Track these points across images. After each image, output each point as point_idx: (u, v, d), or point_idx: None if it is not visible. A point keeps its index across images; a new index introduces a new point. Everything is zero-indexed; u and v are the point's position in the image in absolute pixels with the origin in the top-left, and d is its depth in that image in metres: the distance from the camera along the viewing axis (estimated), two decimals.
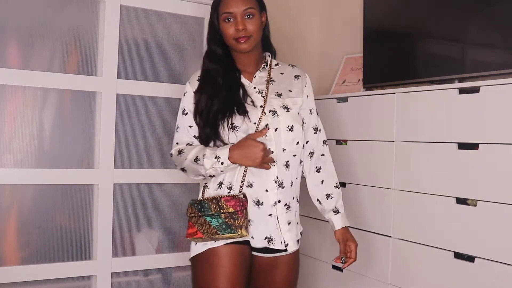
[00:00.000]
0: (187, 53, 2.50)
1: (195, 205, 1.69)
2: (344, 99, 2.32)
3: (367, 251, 2.14)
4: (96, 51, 2.26)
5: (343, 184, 2.28)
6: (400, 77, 2.25)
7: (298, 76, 1.85)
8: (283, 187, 1.72)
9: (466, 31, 1.98)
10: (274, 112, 1.72)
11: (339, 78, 2.73)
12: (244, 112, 1.69)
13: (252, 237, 1.71)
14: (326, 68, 2.96)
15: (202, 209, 1.67)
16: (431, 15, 2.12)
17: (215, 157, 1.66)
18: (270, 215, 1.71)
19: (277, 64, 1.86)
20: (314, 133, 1.85)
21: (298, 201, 1.82)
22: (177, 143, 1.79)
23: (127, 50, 2.33)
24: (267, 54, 1.85)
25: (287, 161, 1.73)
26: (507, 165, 1.65)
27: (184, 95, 1.79)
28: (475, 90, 1.76)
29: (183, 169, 1.76)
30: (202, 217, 1.66)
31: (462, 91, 1.81)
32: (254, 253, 1.75)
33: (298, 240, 1.81)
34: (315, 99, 2.48)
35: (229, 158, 1.65)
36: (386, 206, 2.07)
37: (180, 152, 1.75)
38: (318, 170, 1.85)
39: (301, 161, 1.81)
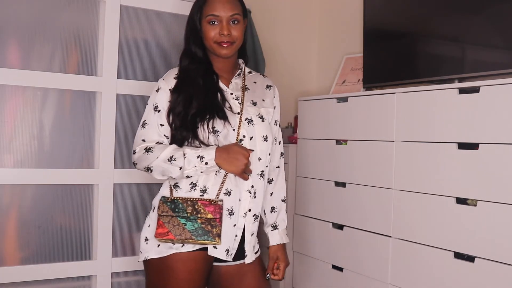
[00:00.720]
0: None
1: (168, 203, 1.62)
2: (344, 99, 2.32)
3: (367, 251, 2.14)
4: (96, 51, 2.26)
5: (343, 184, 2.29)
6: (400, 77, 2.25)
7: (270, 86, 1.84)
8: (255, 197, 1.70)
9: (466, 31, 1.98)
10: (250, 121, 1.69)
11: (339, 78, 2.73)
12: (224, 117, 1.64)
13: (215, 247, 1.64)
14: (326, 68, 2.96)
15: (176, 209, 1.60)
16: (431, 15, 2.12)
17: (198, 157, 1.59)
18: (234, 225, 1.66)
19: (250, 72, 1.84)
20: (274, 144, 1.81)
21: (264, 214, 1.83)
22: (143, 140, 1.67)
23: (127, 50, 2.33)
24: (241, 61, 1.81)
25: (262, 171, 1.71)
26: (507, 165, 1.65)
27: (157, 91, 1.70)
28: (475, 90, 1.76)
29: (148, 168, 1.64)
30: (174, 218, 1.59)
31: (462, 91, 1.81)
32: (217, 263, 1.71)
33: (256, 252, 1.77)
34: (314, 99, 2.49)
35: (214, 159, 1.59)
36: (386, 206, 2.07)
37: (148, 150, 1.63)
38: (270, 181, 1.82)
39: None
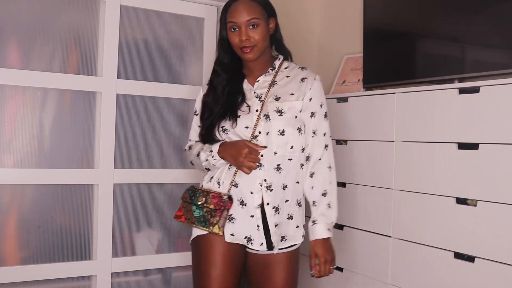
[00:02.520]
0: (187, 53, 2.50)
1: (190, 192, 1.83)
2: (344, 99, 2.32)
3: (367, 251, 2.14)
4: (96, 51, 2.26)
5: (343, 184, 2.29)
6: (400, 77, 2.25)
7: (304, 78, 1.83)
8: (271, 190, 1.74)
9: (466, 31, 1.98)
10: (267, 116, 1.76)
11: (339, 78, 2.73)
12: (234, 117, 1.77)
13: (232, 234, 1.77)
14: (326, 68, 2.96)
15: (193, 197, 1.80)
16: (431, 15, 2.12)
17: (210, 151, 1.79)
18: (252, 216, 1.75)
19: (286, 67, 1.86)
20: (312, 136, 1.81)
21: (299, 205, 1.82)
22: (190, 140, 1.96)
23: (127, 50, 2.33)
24: (279, 56, 1.88)
25: (278, 165, 1.75)
26: (507, 165, 1.65)
27: (198, 96, 1.94)
28: (475, 90, 1.76)
29: (191, 163, 1.93)
30: (190, 204, 1.80)
31: (462, 91, 1.81)
32: (248, 249, 1.81)
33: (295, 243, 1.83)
34: None
35: (218, 152, 1.76)
36: (386, 206, 2.07)
37: (190, 147, 1.92)
38: (312, 175, 1.81)
39: (302, 165, 1.81)
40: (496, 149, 1.68)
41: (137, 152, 2.36)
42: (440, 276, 1.84)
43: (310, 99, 1.81)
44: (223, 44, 1.83)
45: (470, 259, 1.75)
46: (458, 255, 1.79)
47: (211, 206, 1.74)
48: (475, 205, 1.74)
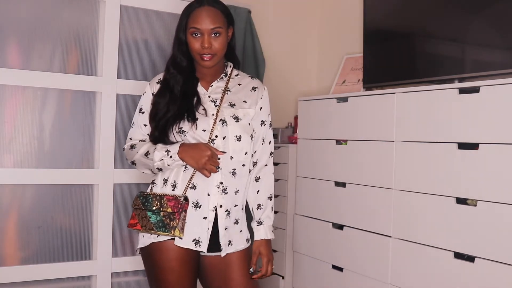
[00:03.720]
0: None
1: (141, 198, 1.77)
2: (344, 99, 2.32)
3: (367, 251, 2.15)
4: (96, 51, 2.26)
5: (343, 184, 2.29)
6: (400, 77, 2.25)
7: (255, 87, 1.88)
8: (226, 193, 1.76)
9: (466, 31, 1.99)
10: (223, 121, 1.77)
11: (339, 78, 2.73)
12: (193, 119, 1.75)
13: (180, 238, 1.73)
14: (326, 68, 2.96)
15: (146, 203, 1.75)
16: (431, 15, 2.12)
17: (166, 151, 1.73)
18: (205, 218, 1.75)
19: (237, 75, 1.89)
20: (262, 144, 1.88)
21: (243, 209, 1.85)
22: (130, 138, 1.87)
23: (127, 50, 2.33)
24: (229, 64, 1.88)
25: (234, 169, 1.78)
26: (507, 165, 1.65)
27: (143, 94, 1.86)
28: (475, 90, 1.76)
29: (133, 163, 1.84)
30: (144, 211, 1.75)
31: (462, 91, 1.81)
32: (202, 254, 1.80)
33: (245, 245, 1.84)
34: (314, 99, 2.50)
35: (178, 153, 1.72)
36: (386, 206, 2.07)
37: (132, 146, 1.83)
38: (257, 179, 1.88)
39: (250, 171, 1.85)
40: (496, 149, 1.68)
41: None
42: (440, 276, 1.84)
43: (261, 108, 1.87)
44: (182, 47, 1.81)
45: (470, 259, 1.75)
46: (458, 255, 1.79)
47: (169, 210, 1.70)
48: (475, 205, 1.74)
